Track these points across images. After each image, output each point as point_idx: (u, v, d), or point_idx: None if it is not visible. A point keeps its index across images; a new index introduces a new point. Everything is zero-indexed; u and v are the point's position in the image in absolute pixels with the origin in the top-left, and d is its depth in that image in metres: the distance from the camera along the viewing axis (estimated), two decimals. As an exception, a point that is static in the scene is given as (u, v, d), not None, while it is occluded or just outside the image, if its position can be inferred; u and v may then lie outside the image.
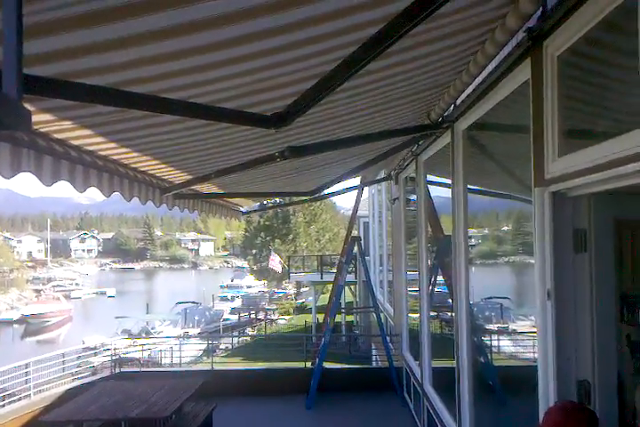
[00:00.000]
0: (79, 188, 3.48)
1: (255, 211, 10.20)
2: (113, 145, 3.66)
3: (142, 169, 4.53)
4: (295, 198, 8.89)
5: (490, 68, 3.67)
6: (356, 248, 11.74)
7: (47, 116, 2.83)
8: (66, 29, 1.94)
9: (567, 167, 2.63)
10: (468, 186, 4.98)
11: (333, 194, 8.91)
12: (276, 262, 38.09)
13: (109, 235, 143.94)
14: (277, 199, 21.47)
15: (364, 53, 2.17)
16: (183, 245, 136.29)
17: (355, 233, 23.86)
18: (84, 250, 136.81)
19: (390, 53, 3.13)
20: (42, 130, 3.05)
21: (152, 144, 3.82)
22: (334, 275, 21.68)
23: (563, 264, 2.79)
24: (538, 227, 2.90)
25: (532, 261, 3.02)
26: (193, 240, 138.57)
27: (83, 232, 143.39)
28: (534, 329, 3.13)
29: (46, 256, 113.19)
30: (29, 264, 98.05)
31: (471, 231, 5.19)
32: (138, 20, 1.98)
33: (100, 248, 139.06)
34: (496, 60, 3.54)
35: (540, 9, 2.81)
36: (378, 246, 18.34)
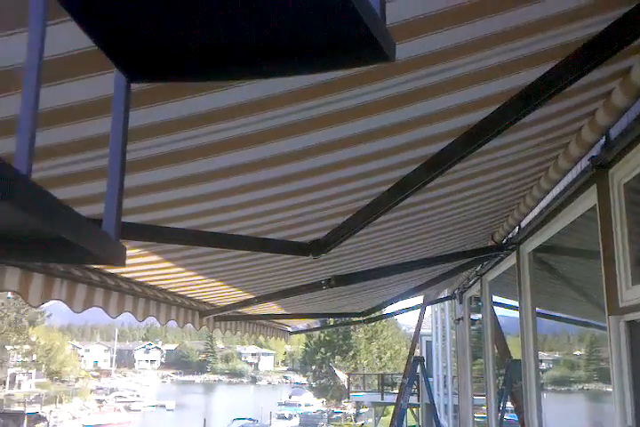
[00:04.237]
0: (112, 314, 3.55)
1: (302, 331, 9.90)
2: (152, 273, 3.75)
3: (181, 293, 4.58)
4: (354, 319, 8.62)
5: (555, 192, 3.66)
6: (418, 369, 11.34)
7: None
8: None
9: (643, 296, 2.53)
10: (537, 309, 4.81)
11: (393, 314, 8.70)
12: (340, 375, 37.58)
13: (173, 346, 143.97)
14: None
15: (401, 188, 2.19)
16: (243, 359, 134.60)
17: (417, 352, 23.13)
18: (147, 361, 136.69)
19: (450, 182, 3.17)
20: None
21: (193, 272, 3.90)
22: (396, 396, 20.82)
23: (644, 400, 2.60)
24: (615, 358, 2.74)
25: (609, 389, 2.83)
26: (253, 354, 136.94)
27: (147, 343, 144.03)
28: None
29: (111, 366, 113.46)
30: (95, 374, 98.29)
31: (541, 355, 4.95)
32: (189, 163, 2.12)
33: (162, 359, 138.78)
34: (561, 185, 3.53)
35: (604, 138, 2.83)
36: (442, 367, 17.65)
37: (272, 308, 6.30)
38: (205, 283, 4.31)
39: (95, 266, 3.29)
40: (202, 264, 3.68)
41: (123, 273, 3.61)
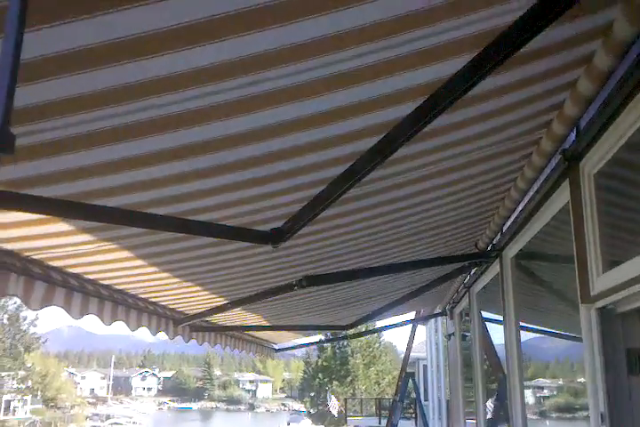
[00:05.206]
0: (75, 315, 3.46)
1: (289, 348, 9.53)
2: (119, 274, 3.66)
3: (153, 300, 4.49)
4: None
5: (531, 192, 3.65)
6: (410, 384, 11.13)
7: (45, 242, 2.85)
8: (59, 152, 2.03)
9: (612, 280, 2.51)
10: (526, 324, 4.74)
11: (383, 329, 8.55)
12: (334, 404, 36.62)
13: (170, 373, 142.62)
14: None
15: (363, 164, 2.12)
16: (241, 386, 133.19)
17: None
18: (144, 388, 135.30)
19: (429, 190, 3.16)
20: (35, 257, 3.07)
21: (164, 274, 3.80)
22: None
23: (617, 386, 2.57)
24: (587, 346, 2.74)
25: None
26: (251, 381, 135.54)
27: (144, 370, 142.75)
28: None
29: (107, 393, 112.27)
30: (91, 400, 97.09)
31: (543, 381, 4.90)
32: (144, 140, 2.06)
33: (160, 386, 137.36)
34: (536, 184, 3.52)
35: (574, 130, 2.83)
36: (436, 389, 17.43)
37: (252, 318, 6.21)
38: (176, 288, 4.23)
39: (51, 263, 3.21)
40: (169, 264, 3.59)
41: (86, 273, 3.53)
